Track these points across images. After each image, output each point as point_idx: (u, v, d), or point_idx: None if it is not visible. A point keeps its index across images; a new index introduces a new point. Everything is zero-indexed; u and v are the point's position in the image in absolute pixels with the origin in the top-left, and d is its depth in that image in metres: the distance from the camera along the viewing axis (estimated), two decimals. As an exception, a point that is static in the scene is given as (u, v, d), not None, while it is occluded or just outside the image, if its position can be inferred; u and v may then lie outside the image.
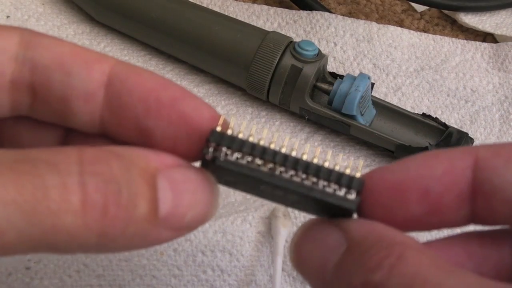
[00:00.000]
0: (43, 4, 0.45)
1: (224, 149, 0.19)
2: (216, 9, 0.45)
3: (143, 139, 0.19)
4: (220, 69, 0.41)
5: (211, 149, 0.18)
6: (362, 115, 0.37)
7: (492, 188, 0.18)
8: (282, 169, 0.19)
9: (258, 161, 0.19)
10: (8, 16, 0.44)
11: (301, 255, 0.19)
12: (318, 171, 0.19)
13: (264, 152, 0.19)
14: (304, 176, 0.19)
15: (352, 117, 0.37)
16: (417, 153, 0.36)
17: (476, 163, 0.18)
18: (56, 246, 0.16)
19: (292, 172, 0.19)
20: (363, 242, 0.17)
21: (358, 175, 0.19)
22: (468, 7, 0.46)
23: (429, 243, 0.20)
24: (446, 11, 0.48)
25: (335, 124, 0.38)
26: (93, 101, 0.19)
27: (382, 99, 0.40)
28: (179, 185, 0.18)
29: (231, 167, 0.19)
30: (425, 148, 0.36)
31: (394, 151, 0.37)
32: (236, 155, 0.19)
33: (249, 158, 0.19)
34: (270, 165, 0.19)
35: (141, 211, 0.17)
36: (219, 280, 0.32)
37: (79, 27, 0.44)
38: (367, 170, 0.39)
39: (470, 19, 0.46)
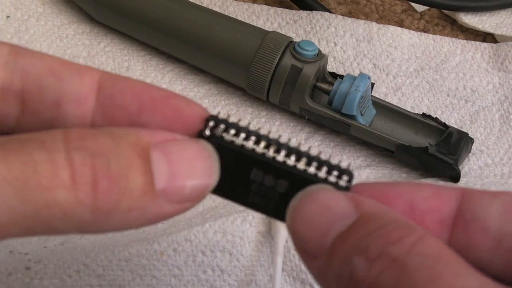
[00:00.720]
0: (43, 4, 0.45)
1: (222, 126, 0.19)
2: (216, 9, 0.45)
3: None
4: (220, 69, 0.41)
5: (211, 124, 0.19)
6: (362, 115, 0.37)
7: (475, 220, 0.18)
8: (276, 154, 0.19)
9: (253, 145, 0.19)
10: (8, 16, 0.44)
11: (302, 215, 0.18)
12: (310, 158, 0.19)
13: (259, 135, 0.19)
14: (296, 162, 0.19)
15: (352, 117, 0.37)
16: (417, 153, 0.36)
17: (463, 195, 0.19)
18: (52, 225, 0.16)
19: (285, 157, 0.19)
20: (380, 217, 0.17)
21: (350, 168, 0.19)
22: (468, 7, 0.46)
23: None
24: (446, 11, 0.48)
25: (335, 124, 0.38)
26: (84, 105, 0.19)
27: (382, 99, 0.40)
28: (174, 155, 0.18)
29: (227, 144, 0.19)
30: (425, 148, 0.36)
31: (394, 151, 0.37)
32: (233, 137, 0.19)
33: (245, 141, 0.19)
34: (264, 149, 0.19)
35: (135, 184, 0.17)
36: (219, 280, 0.32)
37: (79, 27, 0.44)
38: (367, 170, 0.39)
39: (470, 19, 0.46)
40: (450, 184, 0.36)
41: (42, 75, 0.19)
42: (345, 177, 0.19)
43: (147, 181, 0.17)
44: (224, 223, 0.33)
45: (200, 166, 0.18)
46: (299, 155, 0.19)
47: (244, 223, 0.33)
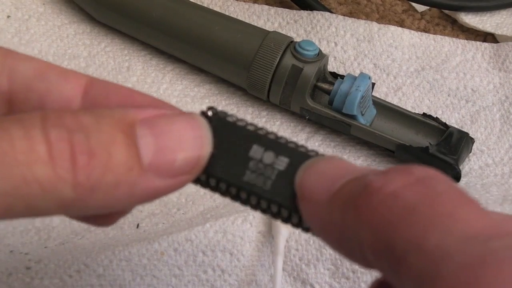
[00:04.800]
0: (43, 4, 0.45)
1: (223, 112, 0.19)
2: (217, 9, 0.45)
3: None
4: (220, 69, 0.41)
5: (211, 111, 0.19)
6: (362, 115, 0.37)
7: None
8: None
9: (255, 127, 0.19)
10: (8, 16, 0.44)
11: (315, 169, 0.18)
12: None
13: (257, 125, 0.19)
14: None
15: (353, 117, 0.37)
16: (417, 153, 0.36)
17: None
18: (33, 203, 0.16)
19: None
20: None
21: None
22: (468, 7, 0.46)
23: None
24: (446, 11, 0.48)
25: (336, 124, 0.38)
26: (69, 107, 0.19)
27: (383, 99, 0.40)
28: (162, 127, 0.17)
29: (229, 122, 0.19)
30: (426, 148, 0.36)
31: (394, 151, 0.37)
32: (234, 119, 0.20)
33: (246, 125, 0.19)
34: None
35: (118, 159, 0.16)
36: (219, 280, 0.32)
37: (79, 27, 0.44)
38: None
39: (470, 19, 0.46)
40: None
41: (29, 77, 0.19)
42: None
43: (131, 156, 0.17)
44: (224, 223, 0.33)
45: (190, 137, 0.18)
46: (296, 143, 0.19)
47: (245, 223, 0.33)
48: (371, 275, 0.33)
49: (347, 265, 0.33)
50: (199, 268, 0.32)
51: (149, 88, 0.41)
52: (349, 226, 0.16)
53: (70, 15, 0.45)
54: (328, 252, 0.33)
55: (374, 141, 0.38)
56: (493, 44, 0.44)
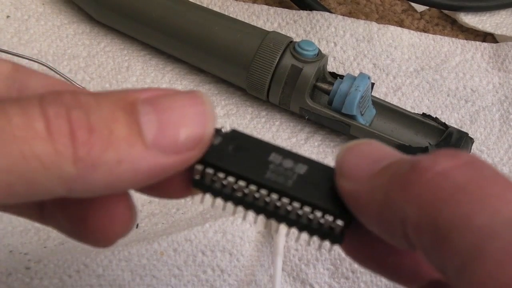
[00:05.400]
0: (43, 4, 0.45)
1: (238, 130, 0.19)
2: (216, 9, 0.45)
3: None
4: (220, 69, 0.41)
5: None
6: (362, 115, 0.37)
7: None
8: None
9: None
10: (8, 16, 0.44)
11: (356, 149, 0.18)
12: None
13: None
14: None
15: (352, 117, 0.37)
16: (417, 153, 0.36)
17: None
18: (33, 180, 0.15)
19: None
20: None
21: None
22: (468, 7, 0.46)
23: None
24: (446, 11, 0.48)
25: (335, 124, 0.38)
26: None
27: (382, 99, 0.40)
28: (164, 104, 0.17)
29: (246, 133, 0.19)
30: (425, 148, 0.36)
31: (394, 151, 0.37)
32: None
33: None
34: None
35: (120, 134, 0.16)
36: (219, 280, 0.32)
37: (79, 27, 0.44)
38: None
39: (470, 19, 0.46)
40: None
41: (39, 92, 0.19)
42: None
43: (133, 132, 0.16)
44: (224, 223, 0.33)
45: (193, 112, 0.17)
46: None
47: (244, 223, 0.33)
48: (371, 275, 0.33)
49: (346, 265, 0.33)
50: (198, 268, 0.32)
51: (149, 88, 0.41)
52: (393, 202, 0.16)
53: (69, 15, 0.45)
54: (328, 252, 0.33)
55: (373, 141, 0.38)
56: (492, 44, 0.44)
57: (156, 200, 0.36)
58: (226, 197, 0.19)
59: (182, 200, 0.36)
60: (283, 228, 0.19)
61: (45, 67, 0.40)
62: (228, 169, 0.18)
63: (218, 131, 0.19)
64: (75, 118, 0.16)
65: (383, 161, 0.17)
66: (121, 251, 0.31)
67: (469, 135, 0.38)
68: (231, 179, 0.18)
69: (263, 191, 0.18)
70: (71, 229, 0.20)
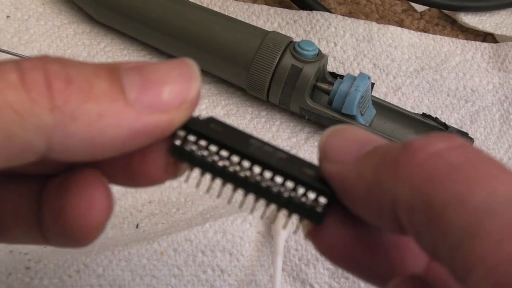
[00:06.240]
0: (43, 4, 0.45)
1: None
2: (216, 9, 0.45)
3: None
4: (220, 69, 0.41)
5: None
6: (362, 115, 0.37)
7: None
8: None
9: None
10: (8, 16, 0.44)
11: (341, 132, 0.18)
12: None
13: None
14: None
15: (352, 117, 0.37)
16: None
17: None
18: (10, 131, 0.15)
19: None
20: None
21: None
22: (468, 7, 0.46)
23: None
24: (446, 11, 0.48)
25: (335, 124, 0.38)
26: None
27: (382, 99, 0.40)
28: (148, 67, 0.17)
29: (223, 120, 0.18)
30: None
31: (394, 151, 0.37)
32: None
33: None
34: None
35: (100, 88, 0.16)
36: (219, 280, 0.32)
37: (79, 27, 0.44)
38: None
39: (470, 19, 0.46)
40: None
41: None
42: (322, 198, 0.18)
43: (115, 88, 0.16)
44: (224, 223, 0.33)
45: (177, 72, 0.17)
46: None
47: (244, 223, 0.33)
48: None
49: (346, 265, 0.33)
50: (198, 268, 0.32)
51: (149, 88, 0.41)
52: (383, 182, 0.15)
53: (69, 15, 0.45)
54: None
55: (373, 141, 0.38)
56: (492, 44, 0.44)
57: (156, 200, 0.36)
58: (206, 168, 0.18)
59: (182, 200, 0.36)
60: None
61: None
62: (211, 137, 0.18)
63: (195, 118, 0.18)
64: (51, 69, 0.15)
65: (368, 144, 0.17)
66: (121, 251, 0.31)
67: (469, 135, 0.38)
68: (213, 147, 0.18)
69: (246, 163, 0.17)
70: (54, 226, 0.19)
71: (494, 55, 0.43)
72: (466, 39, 0.45)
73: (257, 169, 0.17)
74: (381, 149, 0.16)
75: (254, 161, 0.17)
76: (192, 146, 0.18)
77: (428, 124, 0.38)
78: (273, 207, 0.18)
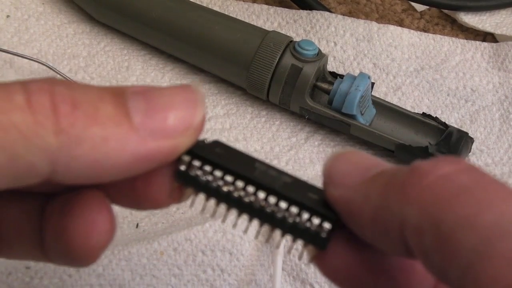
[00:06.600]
0: (43, 3, 0.45)
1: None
2: (216, 8, 0.45)
3: None
4: (220, 68, 0.41)
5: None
6: (362, 114, 0.37)
7: None
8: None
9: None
10: (8, 16, 0.44)
11: (345, 156, 0.18)
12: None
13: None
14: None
15: (352, 116, 0.37)
16: (417, 152, 0.36)
17: None
18: (14, 151, 0.15)
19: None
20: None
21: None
22: (468, 7, 0.46)
23: None
24: (446, 11, 0.48)
25: (335, 123, 0.38)
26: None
27: (382, 98, 0.40)
28: (153, 92, 0.17)
29: (228, 144, 0.18)
30: (425, 148, 0.36)
31: (394, 151, 0.37)
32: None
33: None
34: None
35: (105, 112, 0.16)
36: (219, 280, 0.32)
37: (79, 27, 0.44)
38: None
39: (470, 19, 0.46)
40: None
41: None
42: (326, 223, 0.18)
43: (120, 112, 0.16)
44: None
45: (182, 98, 0.17)
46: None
47: (244, 223, 0.33)
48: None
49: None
50: (198, 268, 0.32)
51: (149, 88, 0.41)
52: (390, 206, 0.15)
53: (69, 15, 0.45)
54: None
55: (373, 141, 0.38)
56: (492, 43, 0.44)
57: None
58: (211, 193, 0.18)
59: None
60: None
61: (45, 67, 0.40)
62: (216, 162, 0.18)
63: (200, 142, 0.18)
64: (58, 93, 0.15)
65: (374, 168, 0.17)
66: (121, 251, 0.31)
67: (469, 134, 0.38)
68: (218, 173, 0.18)
69: (251, 188, 0.17)
70: (55, 246, 0.19)
71: (494, 54, 0.43)
72: (466, 39, 0.45)
73: (261, 195, 0.17)
74: (388, 172, 0.16)
75: (258, 186, 0.17)
76: (197, 171, 0.18)
77: (428, 124, 0.38)
78: (277, 232, 0.18)
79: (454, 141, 0.37)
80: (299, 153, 0.39)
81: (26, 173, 0.15)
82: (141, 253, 0.31)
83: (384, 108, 0.39)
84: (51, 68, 0.40)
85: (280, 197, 0.17)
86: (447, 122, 0.39)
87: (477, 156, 0.39)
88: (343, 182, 0.17)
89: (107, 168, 0.16)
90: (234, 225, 0.19)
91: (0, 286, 0.30)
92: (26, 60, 0.40)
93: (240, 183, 0.18)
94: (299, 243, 0.18)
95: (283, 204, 0.17)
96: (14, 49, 0.41)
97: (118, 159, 0.16)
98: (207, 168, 0.18)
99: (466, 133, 0.37)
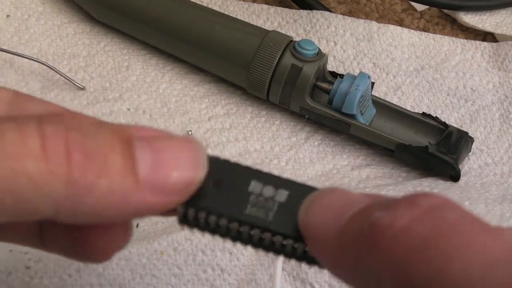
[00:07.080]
0: (43, 3, 0.45)
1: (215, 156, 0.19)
2: (216, 8, 0.45)
3: None
4: (220, 68, 0.41)
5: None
6: (362, 114, 0.37)
7: None
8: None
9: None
10: (8, 16, 0.44)
11: (320, 202, 0.18)
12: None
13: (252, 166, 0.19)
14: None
15: (352, 116, 0.37)
16: (417, 152, 0.36)
17: None
18: (23, 197, 0.15)
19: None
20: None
21: None
22: (468, 6, 0.46)
23: None
24: (446, 10, 0.48)
25: (335, 123, 0.38)
26: None
27: (382, 98, 0.40)
28: (159, 144, 0.17)
29: (223, 158, 0.19)
30: (425, 147, 0.36)
31: (394, 150, 0.37)
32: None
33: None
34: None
35: (115, 164, 0.16)
36: (219, 279, 0.32)
37: (79, 26, 0.44)
38: (367, 169, 0.39)
39: (470, 19, 0.46)
40: (450, 184, 0.36)
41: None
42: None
43: (128, 165, 0.16)
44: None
45: (186, 157, 0.18)
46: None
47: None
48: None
49: (346, 264, 0.33)
50: (198, 268, 0.32)
51: (149, 88, 0.41)
52: (363, 263, 0.15)
53: (69, 15, 0.45)
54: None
55: (373, 141, 0.38)
56: (492, 43, 0.44)
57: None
58: (212, 232, 0.19)
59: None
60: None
61: (45, 66, 0.40)
62: (209, 209, 0.19)
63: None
64: (72, 139, 0.16)
65: (346, 213, 0.17)
66: (121, 250, 0.31)
67: (469, 134, 0.38)
68: (213, 218, 0.19)
69: (245, 228, 0.19)
70: (70, 249, 0.20)
71: (494, 54, 0.43)
72: (466, 38, 0.45)
73: (256, 232, 0.19)
74: (354, 226, 0.16)
75: (252, 226, 0.19)
76: (194, 218, 0.19)
77: (428, 124, 0.38)
78: (271, 254, 0.19)
79: (454, 141, 0.37)
80: (299, 152, 0.39)
81: (30, 214, 0.16)
82: (141, 252, 0.31)
83: (384, 108, 0.39)
84: (51, 68, 0.40)
85: (272, 233, 0.19)
86: (447, 122, 0.39)
87: (477, 156, 0.39)
88: (319, 237, 0.17)
89: (107, 215, 0.17)
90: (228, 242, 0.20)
91: (0, 286, 0.30)
92: (26, 60, 0.40)
93: (234, 225, 0.19)
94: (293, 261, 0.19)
95: (278, 238, 0.18)
96: (14, 48, 0.41)
97: (119, 209, 0.17)
98: (202, 215, 0.19)
99: (466, 133, 0.37)
